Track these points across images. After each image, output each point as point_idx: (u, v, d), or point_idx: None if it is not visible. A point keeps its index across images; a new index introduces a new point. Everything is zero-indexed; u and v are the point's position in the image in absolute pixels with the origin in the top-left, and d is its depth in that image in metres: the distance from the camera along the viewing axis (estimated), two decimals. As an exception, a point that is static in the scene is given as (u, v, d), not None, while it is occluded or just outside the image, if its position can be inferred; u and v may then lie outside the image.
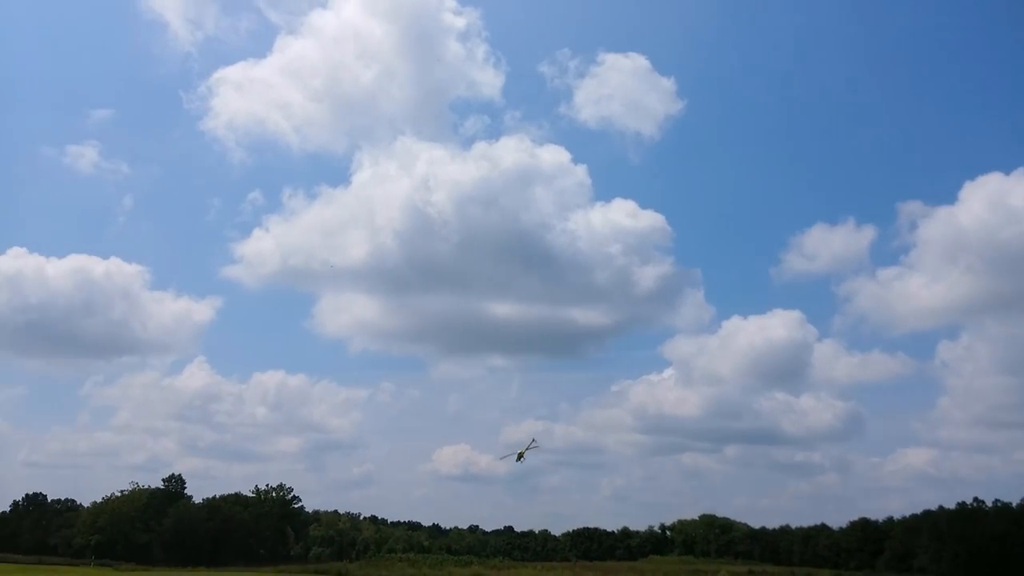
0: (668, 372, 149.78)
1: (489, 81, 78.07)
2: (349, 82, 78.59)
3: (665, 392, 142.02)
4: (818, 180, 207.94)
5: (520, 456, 52.43)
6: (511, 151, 76.50)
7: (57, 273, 65.01)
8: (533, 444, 52.91)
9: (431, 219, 72.63)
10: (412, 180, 75.67)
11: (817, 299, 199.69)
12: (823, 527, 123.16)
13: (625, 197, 77.80)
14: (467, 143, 79.40)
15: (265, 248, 69.92)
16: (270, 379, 73.47)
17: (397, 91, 78.08)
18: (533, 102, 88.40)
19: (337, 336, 79.03)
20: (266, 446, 71.12)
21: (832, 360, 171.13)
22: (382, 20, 79.26)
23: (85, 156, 76.55)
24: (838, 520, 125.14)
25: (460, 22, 78.43)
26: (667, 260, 75.96)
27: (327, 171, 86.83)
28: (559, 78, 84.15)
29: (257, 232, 76.10)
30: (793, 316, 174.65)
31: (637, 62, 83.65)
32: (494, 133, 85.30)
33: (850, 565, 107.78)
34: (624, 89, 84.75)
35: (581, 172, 73.95)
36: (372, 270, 71.00)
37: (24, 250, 66.25)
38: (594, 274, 71.06)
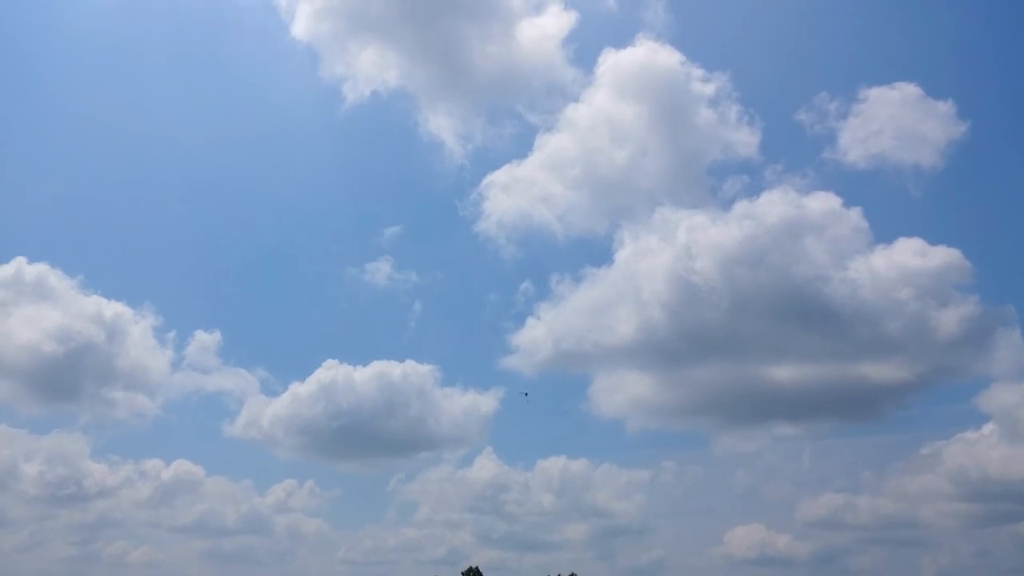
0: (989, 427, 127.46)
1: (744, 140, 75.33)
2: (605, 165, 77.64)
3: (988, 451, 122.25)
4: None
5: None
6: (775, 205, 73.97)
7: (363, 379, 68.84)
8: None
9: (697, 287, 72.13)
10: (674, 250, 75.04)
11: None
12: None
13: (909, 235, 73.50)
14: (727, 204, 77.88)
15: (538, 336, 70.99)
16: (553, 465, 73.65)
17: (652, 166, 76.57)
18: (794, 153, 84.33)
19: (614, 416, 79.39)
20: (554, 534, 72.48)
21: None
22: (632, 102, 77.97)
23: (381, 271, 79.19)
24: None
25: (709, 88, 75.41)
26: (970, 299, 70.93)
27: (591, 253, 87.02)
28: (819, 123, 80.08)
29: (530, 321, 77.67)
30: None
31: (906, 91, 78.24)
32: (755, 190, 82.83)
33: None
34: (895, 122, 79.50)
35: (855, 216, 70.21)
36: (642, 345, 70.82)
37: (336, 361, 69.73)
38: (884, 324, 68.78)
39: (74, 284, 72.61)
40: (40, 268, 71.20)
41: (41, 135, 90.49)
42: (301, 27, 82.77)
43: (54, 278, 71.64)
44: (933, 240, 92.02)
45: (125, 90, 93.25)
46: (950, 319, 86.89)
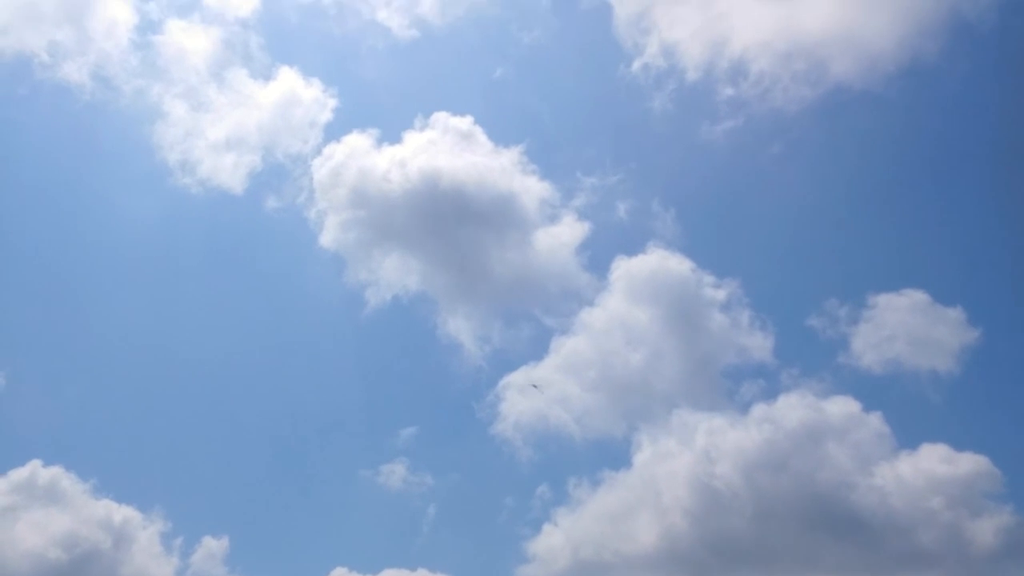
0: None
1: (758, 344, 79.55)
2: (620, 367, 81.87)
3: None
4: None
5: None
6: (794, 408, 76.29)
7: None
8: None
9: (719, 493, 72.96)
10: (694, 454, 76.83)
11: None
12: None
13: (933, 441, 73.25)
14: (745, 408, 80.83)
15: (555, 543, 71.64)
16: None
17: (667, 368, 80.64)
18: (808, 357, 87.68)
19: None
20: None
21: None
22: (645, 307, 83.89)
23: (395, 473, 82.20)
24: None
25: (720, 294, 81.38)
26: (1004, 509, 69.66)
27: (608, 456, 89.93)
28: (831, 328, 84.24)
29: (547, 527, 78.81)
30: None
31: (914, 298, 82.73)
32: (772, 394, 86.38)
33: None
34: (906, 327, 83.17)
35: (876, 421, 71.29)
36: (665, 555, 70.29)
37: (345, 569, 70.61)
38: (917, 535, 67.69)
39: (87, 488, 71.25)
40: (54, 471, 70.32)
41: (66, 342, 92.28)
42: (329, 237, 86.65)
43: (67, 481, 70.59)
44: (958, 446, 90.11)
45: (154, 299, 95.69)
46: (985, 530, 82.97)
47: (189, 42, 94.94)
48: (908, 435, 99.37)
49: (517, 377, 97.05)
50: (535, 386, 71.94)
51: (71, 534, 68.31)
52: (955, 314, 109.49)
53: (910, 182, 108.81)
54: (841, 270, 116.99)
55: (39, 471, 70.10)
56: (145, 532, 71.46)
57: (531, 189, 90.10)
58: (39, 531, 67.70)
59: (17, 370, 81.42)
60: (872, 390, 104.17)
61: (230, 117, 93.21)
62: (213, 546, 74.56)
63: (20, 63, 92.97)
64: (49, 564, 66.40)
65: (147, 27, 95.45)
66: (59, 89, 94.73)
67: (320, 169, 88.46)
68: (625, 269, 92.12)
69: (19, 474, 69.73)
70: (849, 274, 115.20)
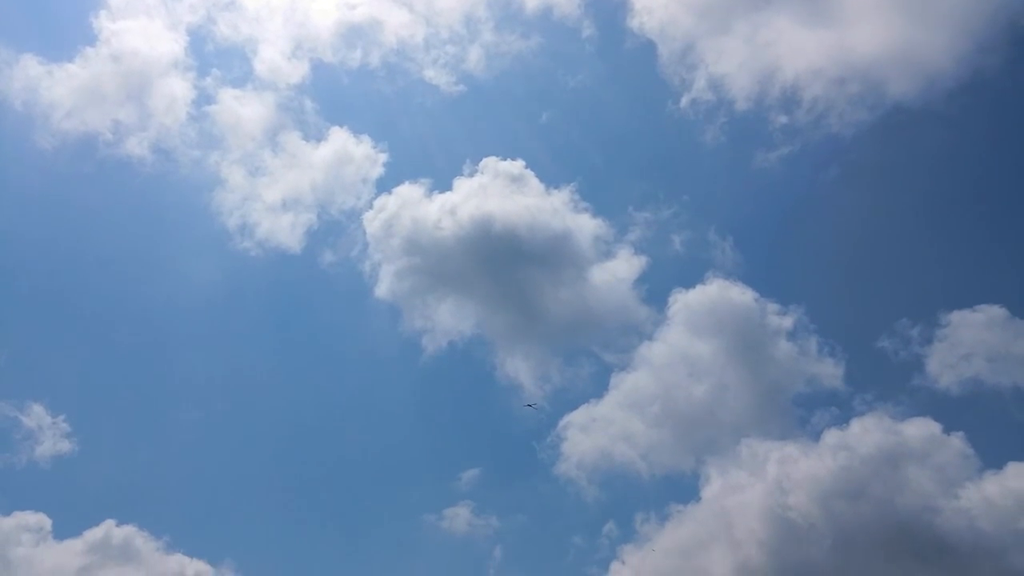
0: None
1: (829, 372, 78.92)
2: (684, 400, 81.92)
3: None
4: None
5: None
6: (869, 433, 75.19)
7: None
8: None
9: (794, 523, 71.52)
10: (766, 484, 75.89)
11: None
12: None
13: (1020, 460, 71.85)
14: (816, 436, 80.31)
15: None
16: None
17: (733, 400, 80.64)
18: (881, 381, 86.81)
19: None
20: None
21: None
22: (707, 339, 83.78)
23: (460, 516, 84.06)
24: None
25: (786, 322, 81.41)
26: None
27: (676, 490, 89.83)
28: (904, 350, 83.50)
29: (615, 566, 79.39)
30: None
31: (991, 313, 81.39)
32: (844, 419, 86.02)
33: None
34: (984, 345, 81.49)
35: (958, 442, 69.70)
36: None
37: None
38: (1009, 557, 65.89)
39: (160, 545, 72.55)
40: (128, 530, 71.89)
41: (136, 405, 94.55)
42: (384, 287, 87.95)
43: (140, 539, 71.93)
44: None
45: (220, 359, 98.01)
46: (1081, 548, 78.23)
47: (243, 110, 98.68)
48: (993, 455, 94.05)
49: (578, 415, 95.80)
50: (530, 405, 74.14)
51: (145, 592, 70.44)
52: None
53: (977, 197, 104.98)
54: (911, 290, 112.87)
55: (113, 531, 71.75)
56: (217, 586, 73.85)
57: (584, 227, 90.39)
58: (115, 589, 70.01)
59: (89, 434, 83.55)
60: (952, 411, 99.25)
61: (285, 179, 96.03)
62: (282, 598, 75.64)
63: (85, 143, 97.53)
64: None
65: (203, 99, 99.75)
66: (121, 164, 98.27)
67: (373, 222, 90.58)
68: (684, 302, 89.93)
69: (94, 534, 71.41)
70: (919, 293, 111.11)
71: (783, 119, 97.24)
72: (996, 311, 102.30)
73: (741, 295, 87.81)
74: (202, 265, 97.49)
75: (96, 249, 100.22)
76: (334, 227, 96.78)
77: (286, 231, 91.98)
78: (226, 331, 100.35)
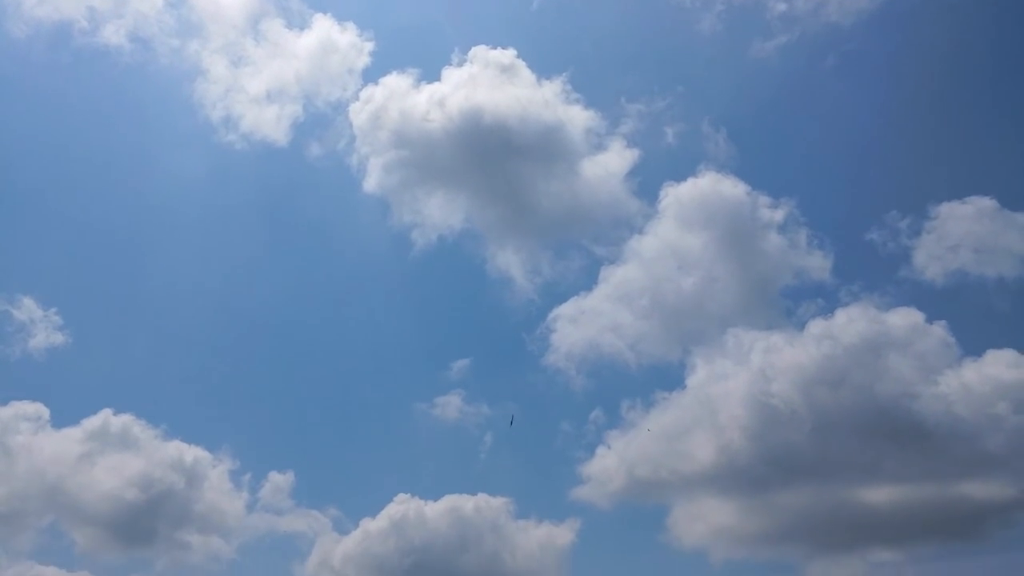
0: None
1: (817, 264, 77.57)
2: (673, 292, 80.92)
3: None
4: None
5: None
6: (853, 322, 75.09)
7: (435, 514, 70.80)
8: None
9: (776, 410, 72.31)
10: (750, 373, 76.13)
11: None
12: None
13: (999, 348, 71.67)
14: (802, 326, 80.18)
15: (610, 465, 72.81)
16: None
17: (721, 292, 79.32)
18: (868, 273, 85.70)
19: (696, 547, 78.47)
20: None
21: None
22: (698, 232, 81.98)
23: (451, 404, 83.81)
24: None
25: (777, 215, 79.57)
26: None
27: (662, 378, 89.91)
28: (892, 242, 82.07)
29: (600, 450, 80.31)
30: None
31: (980, 205, 79.86)
32: (830, 310, 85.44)
33: None
34: (972, 236, 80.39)
35: (939, 330, 69.66)
36: (723, 471, 70.55)
37: (407, 495, 72.66)
38: (983, 440, 67.07)
39: (157, 433, 73.91)
40: (125, 419, 73.05)
41: (125, 297, 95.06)
42: (372, 181, 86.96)
43: (138, 428, 73.25)
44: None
45: (207, 249, 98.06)
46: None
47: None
48: (973, 343, 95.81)
49: (567, 308, 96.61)
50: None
51: (146, 476, 71.05)
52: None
53: (972, 88, 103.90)
54: (902, 182, 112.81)
55: (110, 419, 72.84)
56: (215, 471, 74.14)
57: (576, 119, 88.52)
58: (116, 474, 70.49)
59: (81, 327, 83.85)
60: (936, 301, 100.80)
61: (268, 69, 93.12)
62: (280, 480, 76.51)
63: (60, 30, 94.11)
64: (127, 504, 69.50)
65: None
66: (98, 54, 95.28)
67: (359, 114, 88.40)
68: (675, 195, 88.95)
69: (92, 423, 72.51)
70: (911, 185, 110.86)
71: (782, 7, 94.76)
72: (986, 203, 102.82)
73: (733, 188, 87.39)
74: (187, 159, 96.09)
75: (76, 142, 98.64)
76: (320, 119, 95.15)
77: (271, 124, 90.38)
78: (215, 225, 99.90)
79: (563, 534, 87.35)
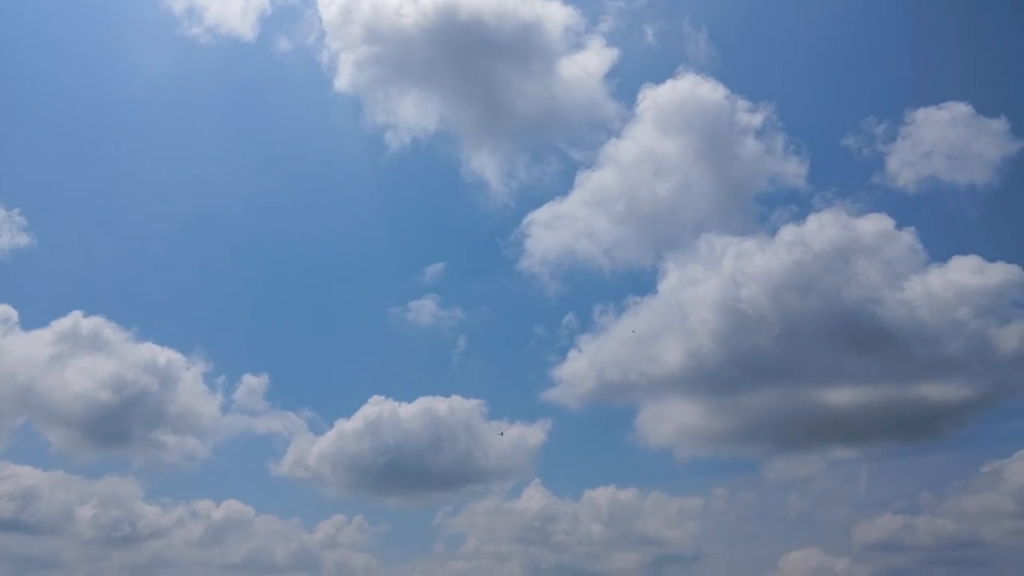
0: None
1: (793, 170, 75.77)
2: (648, 198, 78.86)
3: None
4: None
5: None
6: (824, 228, 74.33)
7: (409, 415, 70.71)
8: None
9: (745, 314, 72.46)
10: (721, 278, 75.58)
11: None
12: None
13: (965, 254, 71.92)
14: (774, 231, 78.81)
15: (581, 368, 72.74)
16: (601, 495, 74.04)
17: (696, 198, 77.47)
18: (842, 179, 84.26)
19: (662, 445, 79.55)
20: (604, 563, 72.84)
21: None
22: (675, 136, 79.02)
23: (425, 308, 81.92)
24: None
25: (755, 120, 76.92)
26: None
27: (635, 283, 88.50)
28: (867, 147, 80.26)
29: (572, 353, 79.80)
30: None
31: (955, 111, 77.98)
32: (803, 216, 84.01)
33: None
34: (945, 142, 78.88)
35: (908, 237, 69.34)
36: (691, 374, 70.82)
37: (382, 397, 72.14)
38: (942, 344, 67.80)
39: (129, 335, 74.02)
40: (96, 321, 72.91)
41: (91, 197, 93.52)
42: (344, 80, 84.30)
43: (109, 330, 73.25)
44: (991, 257, 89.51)
45: (175, 148, 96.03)
46: (1012, 336, 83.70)
47: None
48: (940, 249, 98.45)
49: (542, 213, 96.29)
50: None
51: (118, 377, 71.40)
52: (998, 125, 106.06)
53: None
54: (880, 87, 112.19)
55: (80, 321, 72.63)
56: (188, 373, 74.79)
57: (554, 15, 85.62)
58: (88, 376, 70.93)
59: (47, 228, 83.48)
60: (906, 207, 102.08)
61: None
62: (254, 383, 77.51)
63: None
64: (100, 405, 70.08)
65: None
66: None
67: (329, 7, 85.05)
68: (653, 98, 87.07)
69: (61, 324, 72.31)
70: (889, 90, 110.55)
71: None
72: (962, 108, 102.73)
73: (712, 92, 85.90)
74: (149, 52, 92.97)
75: (33, 35, 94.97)
76: (288, 12, 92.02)
77: (237, 16, 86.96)
78: (180, 123, 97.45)
79: (535, 434, 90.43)
